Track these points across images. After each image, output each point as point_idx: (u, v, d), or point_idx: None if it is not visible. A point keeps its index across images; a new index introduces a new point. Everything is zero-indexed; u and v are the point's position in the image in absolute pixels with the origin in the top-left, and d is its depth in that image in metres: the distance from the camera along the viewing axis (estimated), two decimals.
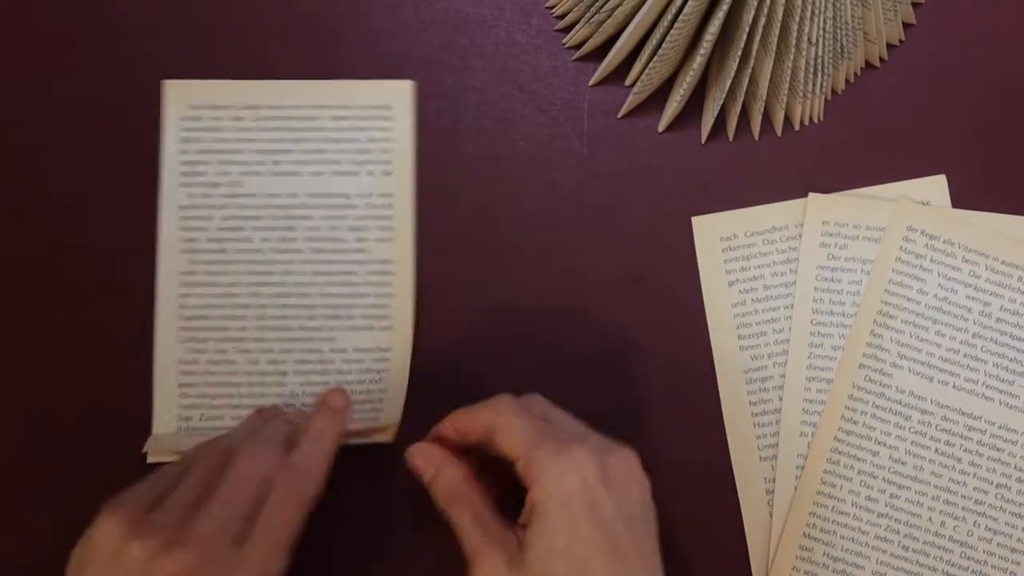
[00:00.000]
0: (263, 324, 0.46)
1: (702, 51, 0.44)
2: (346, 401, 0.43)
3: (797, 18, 0.44)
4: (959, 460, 0.45)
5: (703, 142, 0.48)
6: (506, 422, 0.38)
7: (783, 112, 0.48)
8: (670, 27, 0.44)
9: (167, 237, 0.46)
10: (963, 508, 0.45)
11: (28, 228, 0.47)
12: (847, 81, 0.49)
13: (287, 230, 0.46)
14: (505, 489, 0.40)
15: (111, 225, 0.47)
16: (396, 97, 0.47)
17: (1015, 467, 0.45)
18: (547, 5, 0.49)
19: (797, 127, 0.49)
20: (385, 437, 0.44)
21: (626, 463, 0.39)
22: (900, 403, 0.46)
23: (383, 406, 0.46)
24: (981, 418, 0.46)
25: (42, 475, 0.45)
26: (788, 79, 0.46)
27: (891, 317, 0.46)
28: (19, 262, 0.47)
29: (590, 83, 0.49)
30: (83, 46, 0.48)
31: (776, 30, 0.44)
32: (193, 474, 0.38)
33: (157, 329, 0.46)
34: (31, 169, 0.47)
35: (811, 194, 0.47)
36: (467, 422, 0.40)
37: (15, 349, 0.46)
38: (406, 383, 0.45)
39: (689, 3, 0.42)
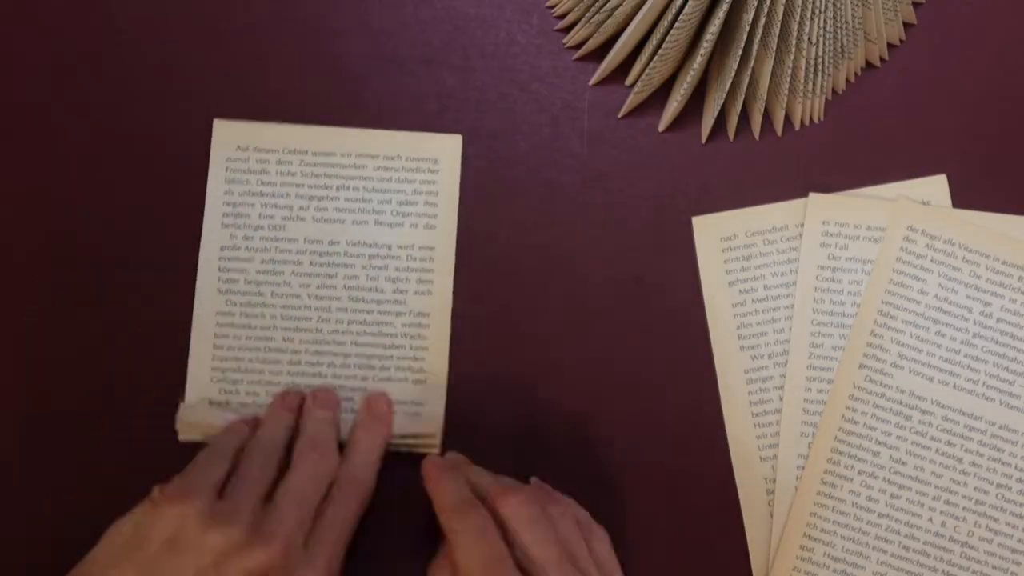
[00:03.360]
0: (296, 370, 0.46)
1: (702, 51, 0.44)
2: (388, 406, 0.45)
3: (797, 18, 0.44)
4: (960, 460, 0.45)
5: (703, 142, 0.48)
6: (438, 493, 0.40)
7: (783, 112, 0.48)
8: (670, 27, 0.44)
9: (206, 276, 0.46)
10: (964, 508, 0.45)
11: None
12: (847, 81, 0.49)
13: (326, 277, 0.46)
14: None
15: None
16: (444, 151, 0.47)
17: (1016, 467, 0.45)
18: (547, 5, 0.49)
19: (797, 127, 0.49)
20: (433, 448, 0.45)
21: (571, 515, 0.40)
22: (901, 403, 0.46)
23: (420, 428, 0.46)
24: (982, 418, 0.46)
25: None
26: (788, 79, 0.46)
27: (891, 317, 0.46)
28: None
29: (590, 83, 0.49)
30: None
31: (776, 30, 0.44)
32: (251, 468, 0.40)
33: (190, 368, 0.46)
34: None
35: (811, 194, 0.47)
36: (428, 481, 0.42)
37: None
38: (441, 425, 0.46)
39: (689, 3, 0.42)
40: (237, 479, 0.40)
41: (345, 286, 0.46)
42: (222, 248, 0.46)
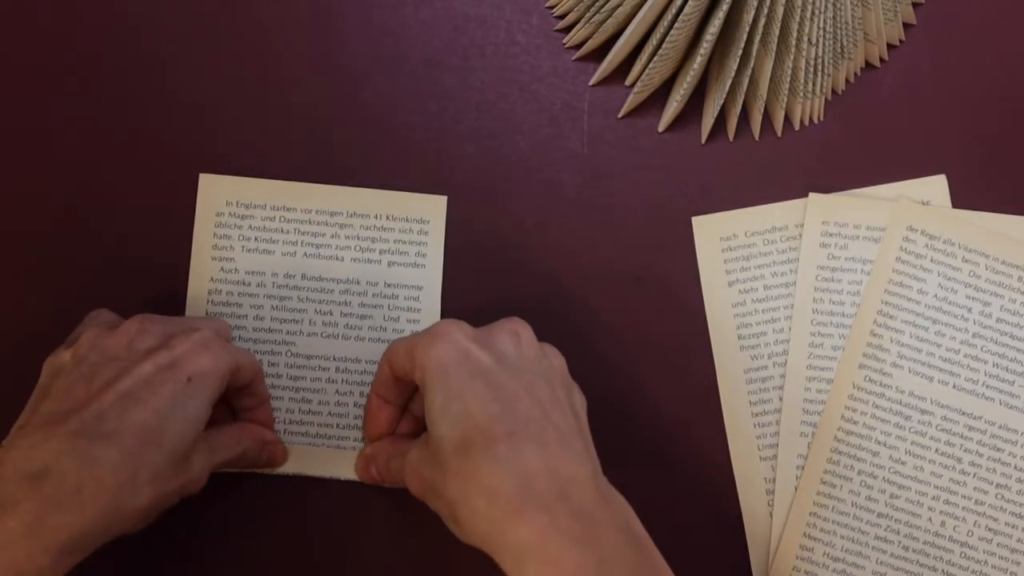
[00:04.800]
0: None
1: (702, 51, 0.44)
2: (277, 449, 0.45)
3: (797, 18, 0.44)
4: (959, 460, 0.45)
5: (703, 142, 0.48)
6: (391, 353, 0.41)
7: (783, 112, 0.48)
8: (670, 27, 0.44)
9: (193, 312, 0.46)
10: (963, 508, 0.45)
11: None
12: (847, 81, 0.49)
13: (310, 336, 0.46)
14: None
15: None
16: (432, 211, 0.47)
17: (1015, 467, 0.45)
18: (547, 5, 0.49)
19: (797, 127, 0.49)
20: None
21: (508, 325, 0.39)
22: (900, 403, 0.46)
23: None
24: (981, 418, 0.46)
25: None
26: (788, 79, 0.46)
27: (891, 317, 0.46)
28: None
29: (590, 83, 0.49)
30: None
31: (776, 30, 0.44)
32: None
33: None
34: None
35: (811, 194, 0.47)
36: (380, 381, 0.42)
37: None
38: None
39: (689, 3, 0.42)
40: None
41: (330, 335, 0.46)
42: (210, 302, 0.46)
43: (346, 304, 0.46)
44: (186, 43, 0.48)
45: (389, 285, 0.46)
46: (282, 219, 0.46)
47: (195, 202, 0.46)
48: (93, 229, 0.47)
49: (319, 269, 0.46)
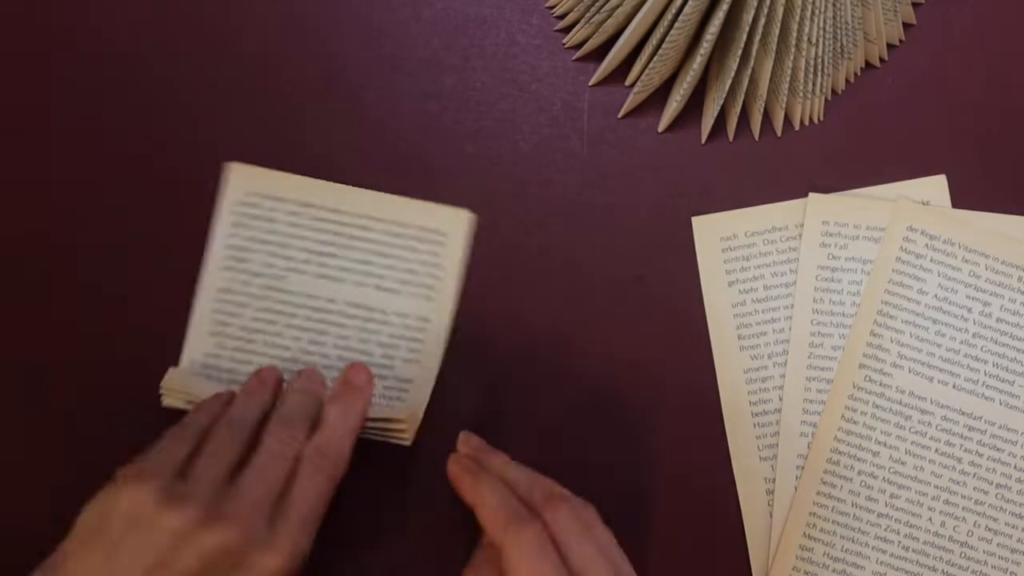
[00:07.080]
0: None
1: (702, 51, 0.44)
2: (368, 376, 0.44)
3: (797, 18, 0.44)
4: (959, 460, 0.45)
5: (703, 142, 0.48)
6: (481, 503, 0.39)
7: (783, 112, 0.48)
8: (670, 27, 0.44)
9: (200, 317, 0.46)
10: (963, 508, 0.45)
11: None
12: (847, 81, 0.49)
13: (319, 333, 0.46)
14: None
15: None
16: (452, 224, 0.47)
17: (1015, 467, 0.45)
18: (547, 5, 0.49)
19: (797, 127, 0.49)
20: (404, 438, 0.43)
21: (597, 549, 0.38)
22: (900, 403, 0.46)
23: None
24: (981, 418, 0.46)
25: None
26: (788, 79, 0.46)
27: (891, 317, 0.46)
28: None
29: (590, 83, 0.49)
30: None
31: (776, 30, 0.44)
32: (216, 446, 0.38)
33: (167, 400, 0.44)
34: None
35: (811, 194, 0.48)
36: (461, 487, 0.41)
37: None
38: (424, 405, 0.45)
39: (689, 3, 0.42)
40: (200, 457, 0.38)
41: (335, 345, 0.46)
42: (219, 290, 0.46)
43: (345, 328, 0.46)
44: (186, 44, 0.48)
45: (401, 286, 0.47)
46: (310, 216, 0.46)
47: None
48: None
49: (334, 269, 0.46)
